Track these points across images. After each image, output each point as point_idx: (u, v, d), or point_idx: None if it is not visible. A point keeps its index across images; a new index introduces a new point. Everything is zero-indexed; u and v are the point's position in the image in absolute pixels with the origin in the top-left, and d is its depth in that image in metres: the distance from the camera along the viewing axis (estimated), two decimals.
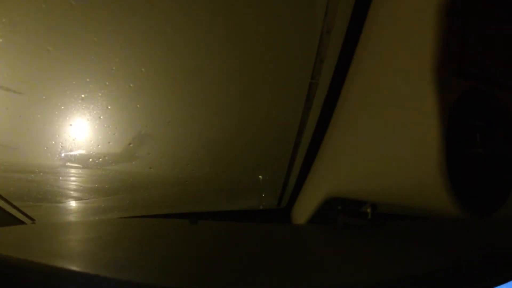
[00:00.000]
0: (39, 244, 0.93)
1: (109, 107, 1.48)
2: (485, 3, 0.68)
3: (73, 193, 2.04)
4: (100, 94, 1.42)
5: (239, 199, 2.05)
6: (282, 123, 1.58)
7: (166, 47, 1.31)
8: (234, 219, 1.74)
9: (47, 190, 1.92)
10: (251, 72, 1.43)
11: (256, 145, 1.73)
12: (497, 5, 0.69)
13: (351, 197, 1.05)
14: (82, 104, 1.44)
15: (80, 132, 1.57)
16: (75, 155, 1.72)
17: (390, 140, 0.76)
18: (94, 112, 1.48)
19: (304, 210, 1.40)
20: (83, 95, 1.41)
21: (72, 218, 1.99)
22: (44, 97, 1.46)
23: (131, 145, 1.71)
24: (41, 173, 1.78)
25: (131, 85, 1.39)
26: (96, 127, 1.56)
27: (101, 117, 1.52)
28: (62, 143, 1.61)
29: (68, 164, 1.80)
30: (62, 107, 1.48)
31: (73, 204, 2.00)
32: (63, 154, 1.69)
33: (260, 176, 1.92)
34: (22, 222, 1.33)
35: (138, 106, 1.52)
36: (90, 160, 1.70)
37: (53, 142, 1.60)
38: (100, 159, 1.71)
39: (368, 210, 1.05)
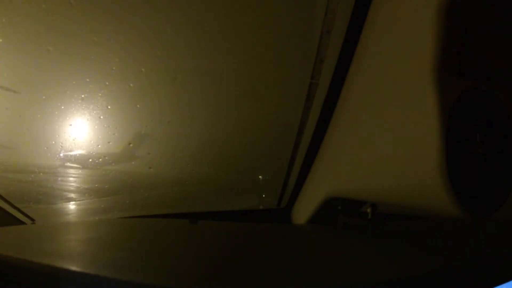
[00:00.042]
0: (39, 244, 0.93)
1: (109, 107, 1.48)
2: (485, 3, 0.68)
3: (73, 193, 2.04)
4: (100, 94, 1.42)
5: (239, 199, 2.05)
6: (282, 123, 1.58)
7: (166, 47, 1.31)
8: (234, 219, 1.74)
9: (47, 190, 1.92)
10: (251, 72, 1.43)
11: (256, 145, 1.73)
12: (497, 5, 0.69)
13: (351, 197, 1.05)
14: (82, 104, 1.44)
15: (80, 132, 1.57)
16: (75, 155, 1.72)
17: (390, 140, 0.76)
18: (94, 112, 1.48)
19: (304, 210, 1.40)
20: (83, 95, 1.41)
21: (72, 218, 1.99)
22: (44, 97, 1.46)
23: (131, 145, 1.71)
24: (41, 173, 1.78)
25: (131, 85, 1.39)
26: (96, 127, 1.56)
27: (101, 117, 1.52)
28: (62, 143, 1.61)
29: (68, 164, 1.80)
30: (62, 107, 1.48)
31: (73, 204, 2.00)
32: (63, 154, 1.69)
33: (260, 176, 1.92)
34: (22, 222, 1.33)
35: (138, 106, 1.52)
36: (90, 160, 1.70)
37: (53, 142, 1.60)
38: (100, 159, 1.71)
39: (368, 210, 1.05)
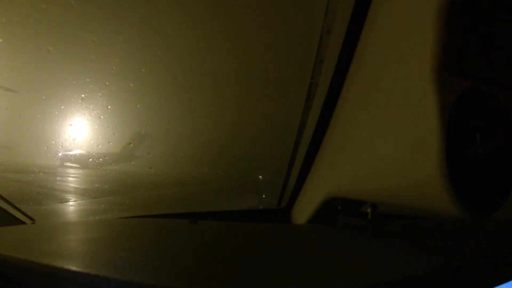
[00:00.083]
0: (39, 244, 0.93)
1: (109, 107, 1.48)
2: (485, 3, 0.68)
3: (73, 193, 2.04)
4: (100, 94, 1.42)
5: (239, 199, 2.05)
6: (282, 123, 1.58)
7: (166, 47, 1.31)
8: (234, 219, 1.74)
9: (47, 190, 1.92)
10: (251, 72, 1.43)
11: (256, 145, 1.73)
12: (497, 5, 0.69)
13: (351, 197, 1.04)
14: (82, 104, 1.44)
15: (80, 132, 1.57)
16: (75, 155, 1.72)
17: (390, 140, 0.76)
18: (94, 112, 1.48)
19: (304, 210, 1.40)
20: (83, 95, 1.41)
21: (72, 218, 1.99)
22: (44, 97, 1.46)
23: (131, 145, 1.71)
24: (41, 173, 1.78)
25: (131, 85, 1.39)
26: (96, 127, 1.56)
27: (101, 117, 1.52)
28: (62, 143, 1.61)
29: (68, 164, 1.80)
30: (62, 107, 1.48)
31: (73, 204, 2.00)
32: (63, 154, 1.69)
33: (260, 176, 1.92)
34: (22, 222, 1.33)
35: (138, 106, 1.52)
36: (90, 160, 1.70)
37: (53, 142, 1.60)
38: (100, 159, 1.71)
39: (368, 210, 1.05)
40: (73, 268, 0.65)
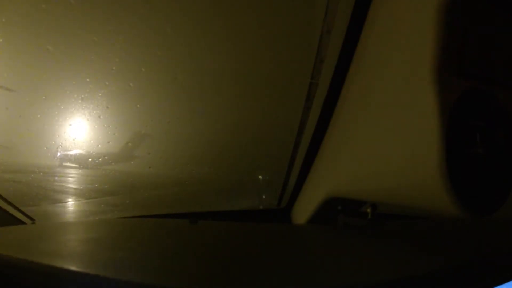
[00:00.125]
0: (39, 244, 0.93)
1: (109, 107, 1.48)
2: (485, 3, 0.68)
3: (73, 193, 2.04)
4: (100, 94, 1.42)
5: (239, 199, 2.05)
6: (282, 123, 1.58)
7: (166, 47, 1.31)
8: (234, 219, 1.73)
9: (47, 190, 1.92)
10: (251, 72, 1.43)
11: (256, 145, 1.73)
12: (497, 5, 0.69)
13: (351, 197, 1.04)
14: (82, 104, 1.44)
15: (80, 132, 1.57)
16: (75, 155, 1.72)
17: (390, 140, 0.76)
18: (94, 112, 1.49)
19: (304, 210, 1.40)
20: (83, 95, 1.41)
21: (72, 218, 1.99)
22: (44, 97, 1.47)
23: (131, 145, 1.71)
24: (41, 173, 1.78)
25: (131, 85, 1.39)
26: (96, 127, 1.56)
27: (101, 117, 1.52)
28: (62, 143, 1.61)
29: (68, 164, 1.81)
30: (62, 107, 1.48)
31: (73, 204, 2.00)
32: (63, 154, 1.69)
33: (260, 176, 1.92)
34: (22, 222, 1.33)
35: (138, 106, 1.52)
36: (90, 160, 1.70)
37: (53, 142, 1.60)
38: (100, 159, 1.71)
39: (368, 210, 1.05)
40: (73, 268, 0.65)
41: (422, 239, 1.06)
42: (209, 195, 2.02)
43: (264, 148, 1.75)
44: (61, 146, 1.62)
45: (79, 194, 2.04)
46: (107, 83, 1.39)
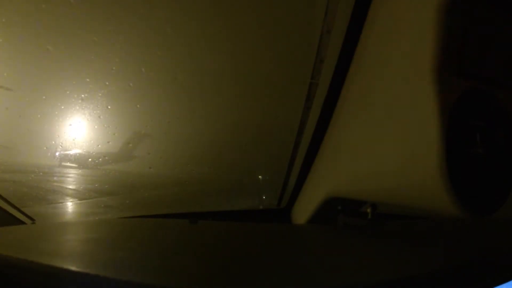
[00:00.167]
0: (39, 244, 0.93)
1: (109, 107, 1.48)
2: (485, 3, 0.68)
3: (73, 193, 2.04)
4: (100, 94, 1.42)
5: (239, 199, 2.05)
6: (282, 123, 1.58)
7: (166, 47, 1.31)
8: (234, 219, 1.73)
9: (47, 190, 1.92)
10: (251, 72, 1.43)
11: (256, 145, 1.73)
12: (497, 5, 0.69)
13: (351, 197, 1.04)
14: (82, 104, 1.44)
15: (80, 132, 1.57)
16: (75, 155, 1.72)
17: (390, 140, 0.76)
18: (94, 112, 1.49)
19: (304, 210, 1.40)
20: (83, 95, 1.41)
21: (72, 218, 1.99)
22: (44, 97, 1.47)
23: (131, 145, 1.71)
24: (41, 173, 1.79)
25: (131, 85, 1.39)
26: (96, 127, 1.56)
27: (101, 117, 1.52)
28: (62, 143, 1.61)
29: (68, 164, 1.80)
30: (62, 107, 1.48)
31: (73, 204, 2.00)
32: (63, 154, 1.69)
33: (260, 176, 1.92)
34: (22, 222, 1.33)
35: (138, 106, 1.52)
36: (90, 160, 1.70)
37: (53, 142, 1.60)
38: (100, 159, 1.71)
39: (368, 210, 1.05)
40: (73, 268, 0.65)
41: (422, 239, 1.06)
42: (209, 195, 2.02)
43: (264, 148, 1.75)
44: (61, 146, 1.62)
45: (79, 194, 2.04)
46: (107, 83, 1.39)
